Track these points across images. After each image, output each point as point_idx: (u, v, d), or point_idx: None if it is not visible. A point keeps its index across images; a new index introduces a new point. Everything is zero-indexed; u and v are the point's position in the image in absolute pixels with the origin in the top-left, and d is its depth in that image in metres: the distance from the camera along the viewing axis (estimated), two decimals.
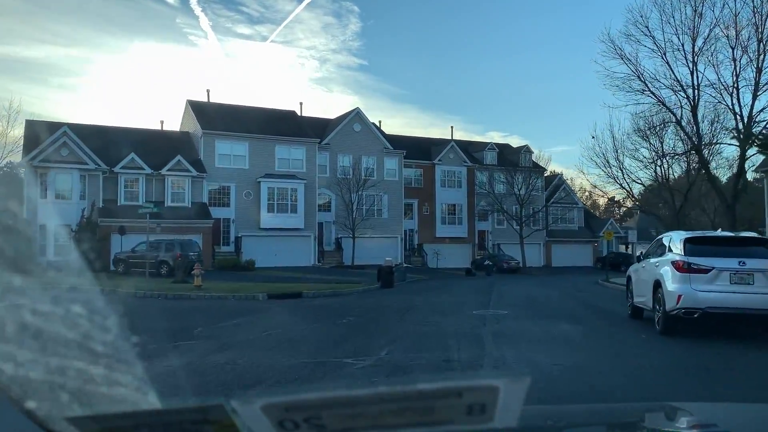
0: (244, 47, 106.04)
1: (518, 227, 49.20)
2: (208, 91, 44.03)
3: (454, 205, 50.55)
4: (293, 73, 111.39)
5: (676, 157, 32.06)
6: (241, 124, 41.01)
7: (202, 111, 41.36)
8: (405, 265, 31.91)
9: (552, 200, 55.44)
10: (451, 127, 58.88)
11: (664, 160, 32.33)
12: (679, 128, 30.57)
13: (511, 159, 53.99)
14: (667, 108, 27.46)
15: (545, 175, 56.05)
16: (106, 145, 35.93)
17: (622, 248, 59.36)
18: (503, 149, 55.40)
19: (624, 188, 35.01)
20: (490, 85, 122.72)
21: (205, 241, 35.89)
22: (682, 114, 28.00)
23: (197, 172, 37.53)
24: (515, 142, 78.12)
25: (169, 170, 36.67)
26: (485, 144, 54.41)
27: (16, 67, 76.95)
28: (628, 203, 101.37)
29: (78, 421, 1.14)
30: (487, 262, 43.25)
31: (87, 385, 1.33)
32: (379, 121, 51.86)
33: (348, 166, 43.30)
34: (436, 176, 50.02)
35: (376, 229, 45.05)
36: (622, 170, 33.55)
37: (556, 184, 57.38)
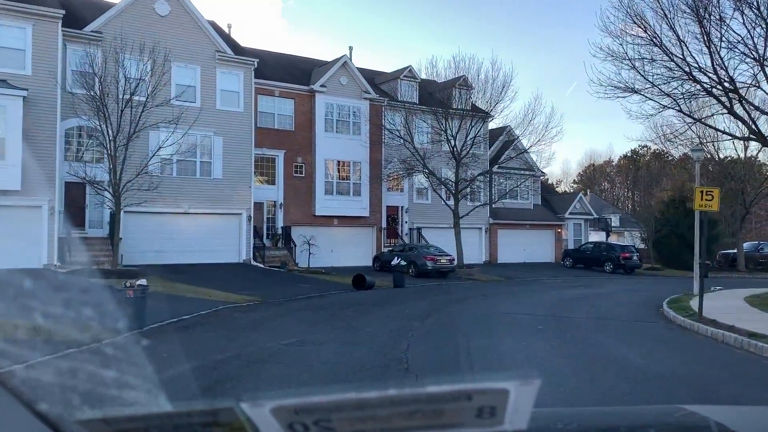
0: None
1: (451, 201, 29.86)
2: None
3: (348, 162, 30.45)
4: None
5: None
6: None
7: None
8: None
9: (498, 163, 36.51)
10: (350, 47, 38.93)
11: None
12: None
13: (438, 98, 34.37)
14: None
15: (490, 128, 36.80)
16: None
17: (593, 236, 41.48)
18: (427, 85, 35.73)
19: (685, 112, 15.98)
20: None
21: None
22: None
23: None
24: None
25: None
26: (399, 71, 34.57)
27: None
28: (572, 184, 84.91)
29: (89, 424, 1.13)
30: (398, 261, 23.65)
31: None
32: (229, 25, 30.93)
33: (137, 79, 21.74)
34: (317, 113, 29.63)
35: (201, 201, 24.43)
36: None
37: (504, 140, 38.59)
